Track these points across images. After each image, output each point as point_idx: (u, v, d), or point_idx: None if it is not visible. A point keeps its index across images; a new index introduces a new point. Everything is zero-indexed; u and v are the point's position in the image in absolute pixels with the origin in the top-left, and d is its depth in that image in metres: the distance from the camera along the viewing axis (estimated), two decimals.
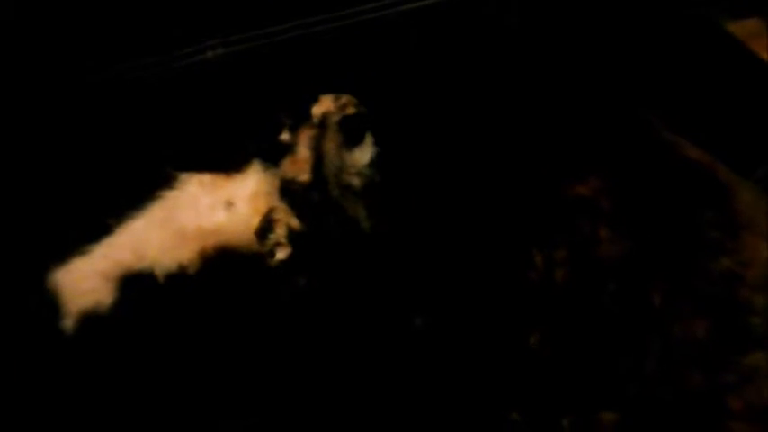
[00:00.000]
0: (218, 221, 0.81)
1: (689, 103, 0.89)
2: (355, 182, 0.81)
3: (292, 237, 0.79)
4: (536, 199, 0.80)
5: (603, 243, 0.77)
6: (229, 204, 0.82)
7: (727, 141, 0.84)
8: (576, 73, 0.87)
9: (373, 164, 0.81)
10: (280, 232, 0.79)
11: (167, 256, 0.80)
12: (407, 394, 0.76)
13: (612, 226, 0.77)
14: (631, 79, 0.88)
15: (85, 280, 0.79)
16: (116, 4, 0.88)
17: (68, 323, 0.79)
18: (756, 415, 0.72)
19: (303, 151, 0.81)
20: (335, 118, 0.82)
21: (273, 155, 0.82)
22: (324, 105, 0.82)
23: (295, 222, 0.80)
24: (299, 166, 0.81)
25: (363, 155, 0.81)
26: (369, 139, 0.81)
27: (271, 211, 0.80)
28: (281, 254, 0.79)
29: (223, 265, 0.80)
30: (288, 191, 0.81)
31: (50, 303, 0.79)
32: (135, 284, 0.79)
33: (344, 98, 0.83)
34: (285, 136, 0.82)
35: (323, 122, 0.82)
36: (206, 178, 0.82)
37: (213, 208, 0.82)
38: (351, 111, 0.82)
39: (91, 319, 0.79)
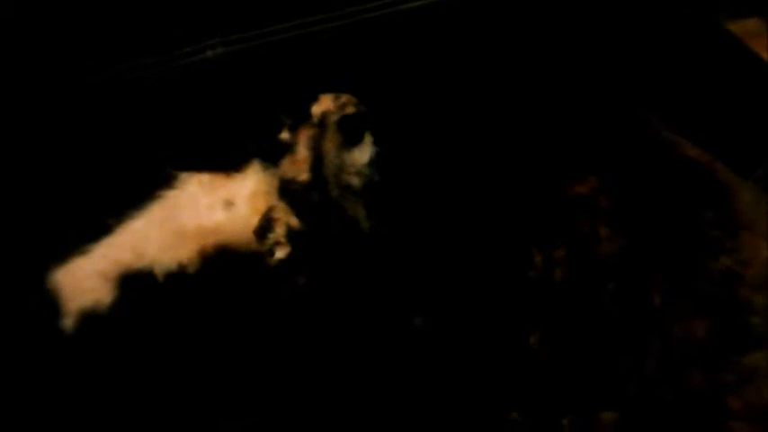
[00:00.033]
0: (217, 221, 0.81)
1: (688, 103, 0.89)
2: (355, 181, 0.81)
3: (292, 236, 0.79)
4: (535, 198, 0.80)
5: (603, 242, 0.77)
6: (229, 204, 0.82)
7: (726, 141, 0.84)
8: (575, 72, 0.87)
9: (373, 163, 0.81)
10: (279, 231, 0.79)
11: (167, 256, 0.80)
12: (407, 394, 0.76)
13: (612, 225, 0.77)
14: (630, 78, 0.88)
15: (85, 279, 0.79)
16: (115, 4, 0.88)
17: (68, 322, 0.79)
18: (756, 415, 0.72)
19: (302, 151, 0.81)
20: (335, 117, 0.82)
21: (273, 154, 0.82)
22: (323, 105, 0.82)
23: (294, 221, 0.80)
24: (299, 165, 0.81)
25: (363, 154, 0.81)
26: (368, 139, 0.81)
27: (270, 210, 0.80)
28: (280, 253, 0.79)
29: (222, 264, 0.80)
30: (287, 190, 0.81)
31: (50, 302, 0.79)
32: (135, 284, 0.79)
33: (344, 97, 0.83)
34: (285, 135, 0.82)
35: (322, 122, 0.82)
36: (205, 178, 0.82)
37: (213, 207, 0.82)
38: (350, 110, 0.82)
39: (90, 318, 0.79)
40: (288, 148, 0.82)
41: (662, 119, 0.83)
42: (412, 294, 0.79)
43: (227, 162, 0.83)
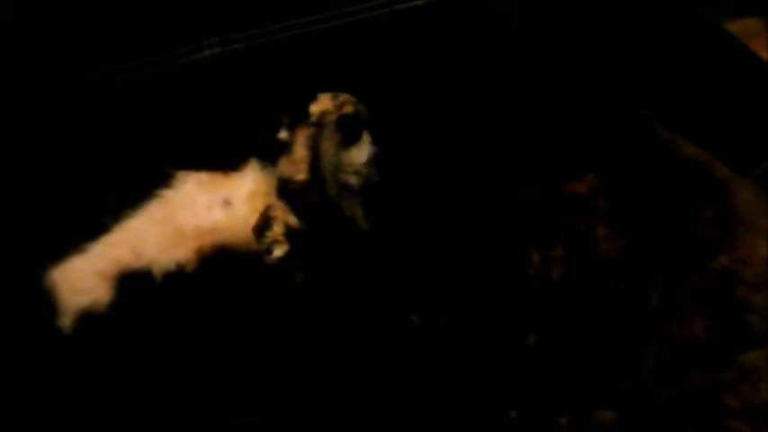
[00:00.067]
0: (215, 220, 0.82)
1: (687, 102, 0.89)
2: (353, 181, 0.81)
3: (290, 234, 0.79)
4: (534, 197, 0.80)
5: (601, 241, 0.77)
6: (227, 203, 0.82)
7: (725, 139, 0.84)
8: (574, 71, 0.87)
9: (371, 163, 0.81)
10: (277, 230, 0.79)
11: (165, 255, 0.80)
12: (405, 392, 0.76)
13: (610, 224, 0.77)
14: (629, 77, 0.88)
15: (83, 278, 0.79)
16: (113, 3, 0.89)
17: (66, 322, 0.79)
18: (754, 413, 0.72)
19: (300, 150, 0.81)
20: (333, 117, 0.82)
21: (271, 154, 0.82)
22: (322, 104, 0.82)
23: (293, 220, 0.80)
24: (297, 165, 0.81)
25: (360, 154, 0.81)
26: (366, 138, 0.81)
27: (268, 208, 0.80)
28: (278, 251, 0.79)
29: (221, 263, 0.80)
30: (285, 190, 0.81)
31: (48, 302, 0.79)
32: (132, 283, 0.80)
33: (342, 97, 0.83)
34: (283, 135, 0.82)
35: (320, 121, 0.82)
36: (203, 177, 0.83)
37: (211, 207, 0.82)
38: (348, 109, 0.82)
39: (88, 317, 0.79)
40: (286, 148, 0.82)
41: (661, 118, 0.83)
42: (410, 293, 0.79)
43: (225, 161, 0.83)
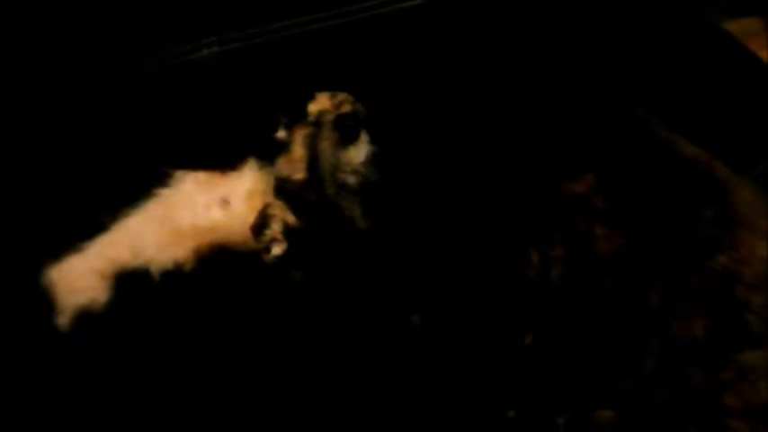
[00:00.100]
0: (213, 219, 0.82)
1: (687, 101, 0.89)
2: (351, 180, 0.81)
3: (288, 233, 0.79)
4: (532, 197, 0.79)
5: (600, 241, 0.77)
6: (225, 202, 0.82)
7: (725, 139, 0.84)
8: (572, 70, 0.87)
9: (369, 162, 0.81)
10: (275, 228, 0.79)
11: (163, 254, 0.80)
12: (403, 391, 0.76)
13: (609, 224, 0.77)
14: (628, 77, 0.88)
15: (81, 277, 0.79)
16: (112, 3, 0.89)
17: (64, 320, 0.79)
18: (753, 413, 0.72)
19: (298, 149, 0.81)
20: (331, 116, 0.82)
21: (269, 153, 0.82)
22: (320, 103, 0.83)
23: (291, 218, 0.80)
24: (295, 164, 0.81)
25: (358, 153, 0.81)
26: (364, 138, 0.81)
27: (266, 207, 0.81)
28: (276, 249, 0.79)
29: (219, 262, 0.80)
30: (283, 189, 0.81)
31: (46, 300, 0.79)
32: (130, 282, 0.80)
33: (341, 96, 0.83)
34: (281, 134, 0.82)
35: (318, 120, 0.82)
36: (201, 176, 0.83)
37: (209, 206, 0.82)
38: (346, 109, 0.82)
39: (86, 316, 0.79)
40: (284, 147, 0.82)
41: (660, 117, 0.82)
42: (409, 292, 0.78)
43: (223, 160, 0.83)
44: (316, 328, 0.78)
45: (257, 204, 0.81)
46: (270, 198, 0.81)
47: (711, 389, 0.73)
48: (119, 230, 0.81)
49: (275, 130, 0.82)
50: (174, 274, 0.80)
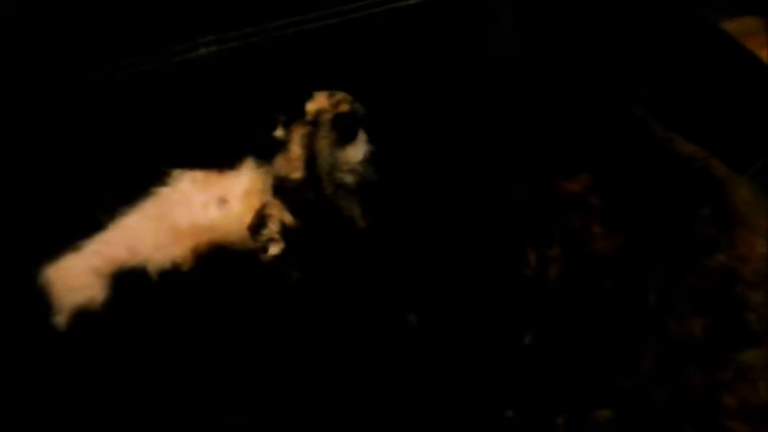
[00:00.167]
0: (211, 218, 0.82)
1: (684, 99, 0.89)
2: (349, 179, 0.81)
3: (285, 232, 0.79)
4: (528, 196, 0.79)
5: (597, 240, 0.77)
6: (222, 201, 0.82)
7: (722, 137, 0.84)
8: (569, 70, 0.87)
9: (367, 161, 0.81)
10: (273, 227, 0.79)
11: (160, 253, 0.80)
12: (401, 391, 0.76)
13: (606, 223, 0.77)
14: (625, 75, 0.88)
15: (78, 276, 0.79)
16: (109, 3, 0.89)
17: (61, 319, 0.79)
18: (752, 412, 0.72)
19: (296, 149, 0.81)
20: (329, 115, 0.82)
21: (267, 152, 0.82)
22: (318, 102, 0.83)
23: (288, 218, 0.80)
24: (293, 163, 0.81)
25: (356, 152, 0.81)
26: (362, 137, 0.81)
27: (264, 206, 0.81)
28: (274, 249, 0.79)
29: (216, 261, 0.80)
30: (281, 188, 0.81)
31: (43, 299, 0.79)
32: (128, 281, 0.80)
33: (339, 95, 0.83)
34: (279, 133, 0.82)
35: (316, 120, 0.82)
36: (199, 175, 0.83)
37: (206, 205, 0.82)
38: (344, 108, 0.82)
39: (84, 315, 0.79)
40: (282, 146, 0.82)
41: (657, 115, 0.82)
42: (407, 291, 0.78)
43: (220, 159, 0.83)
44: (314, 328, 0.78)
45: (255, 203, 0.81)
46: (267, 197, 0.81)
47: (710, 388, 0.72)
48: (116, 229, 0.81)
49: (273, 129, 0.83)
50: (171, 273, 0.80)
